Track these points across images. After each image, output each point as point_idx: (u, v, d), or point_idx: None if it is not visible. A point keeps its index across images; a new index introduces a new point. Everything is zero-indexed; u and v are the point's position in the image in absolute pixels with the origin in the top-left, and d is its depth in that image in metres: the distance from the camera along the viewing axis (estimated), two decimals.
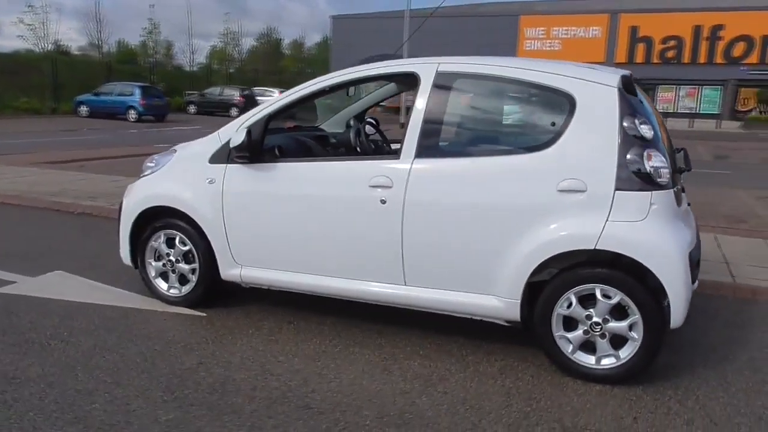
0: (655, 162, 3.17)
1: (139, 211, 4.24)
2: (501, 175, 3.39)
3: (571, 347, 3.36)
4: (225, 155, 3.97)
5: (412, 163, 3.53)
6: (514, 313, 3.43)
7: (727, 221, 7.73)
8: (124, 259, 4.44)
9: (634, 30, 36.95)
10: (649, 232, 3.15)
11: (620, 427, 2.93)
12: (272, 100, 3.99)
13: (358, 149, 4.73)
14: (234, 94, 32.32)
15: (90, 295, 4.46)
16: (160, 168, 4.25)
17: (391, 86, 5.00)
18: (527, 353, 3.69)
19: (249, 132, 3.78)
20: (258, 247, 3.96)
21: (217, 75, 45.72)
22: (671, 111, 36.00)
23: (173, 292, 4.31)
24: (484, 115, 3.83)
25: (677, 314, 3.17)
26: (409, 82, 3.81)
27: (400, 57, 28.94)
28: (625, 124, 3.20)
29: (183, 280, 4.29)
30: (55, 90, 29.48)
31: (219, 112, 31.71)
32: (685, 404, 3.18)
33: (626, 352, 3.28)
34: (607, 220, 3.17)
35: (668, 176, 3.21)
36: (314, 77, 3.99)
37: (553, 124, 3.38)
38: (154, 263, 4.33)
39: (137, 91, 25.71)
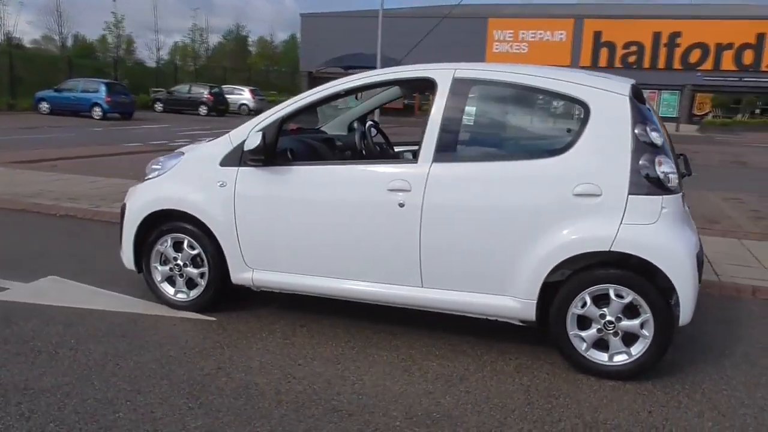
0: (665, 168, 3.31)
1: (146, 214, 4.20)
2: (518, 179, 3.48)
3: (584, 345, 3.48)
4: (237, 158, 3.97)
5: (430, 167, 3.59)
6: (530, 313, 3.53)
7: (701, 222, 8.02)
8: (127, 263, 4.39)
9: (597, 35, 37.93)
10: (660, 235, 3.28)
11: (637, 420, 3.05)
12: (285, 103, 4.00)
13: (363, 152, 4.78)
14: (203, 92, 31.77)
15: (91, 301, 4.39)
16: (167, 171, 4.22)
17: (394, 90, 5.06)
18: (539, 352, 3.80)
19: (264, 135, 3.79)
20: (272, 251, 3.97)
21: (182, 72, 44.88)
22: None
23: (180, 296, 4.28)
24: (500, 121, 3.93)
25: (686, 312, 3.31)
26: (424, 87, 3.88)
27: (373, 56, 29.10)
28: (636, 131, 3.33)
29: (191, 284, 4.26)
30: (12, 85, 28.53)
31: (187, 110, 31.19)
32: (693, 397, 3.33)
33: (637, 349, 3.41)
34: (621, 223, 3.30)
35: (677, 181, 3.36)
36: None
37: (569, 130, 3.49)
38: (160, 267, 4.29)
39: (102, 88, 24.94)
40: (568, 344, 3.50)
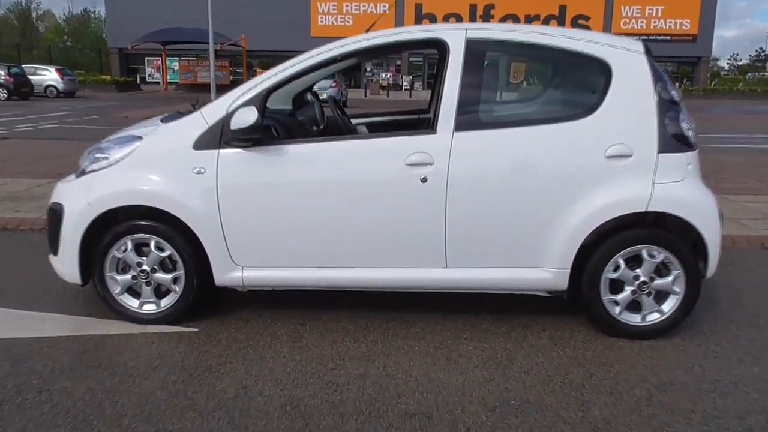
0: (687, 123, 3.35)
1: (97, 214, 3.42)
2: (547, 144, 3.32)
3: (618, 309, 3.44)
4: (215, 139, 3.35)
5: (452, 137, 3.30)
6: (562, 283, 3.41)
7: None
8: (68, 276, 3.57)
9: (419, 7, 39.57)
10: (689, 191, 3.32)
11: (696, 376, 3.08)
12: (271, 71, 3.44)
13: (321, 126, 4.36)
14: None
15: (31, 328, 3.51)
16: (119, 160, 3.45)
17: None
18: (559, 320, 3.70)
19: (258, 110, 3.23)
20: (268, 244, 3.43)
21: None
22: None
23: (148, 308, 3.57)
24: (520, 84, 3.71)
25: (713, 265, 3.40)
26: (433, 49, 3.54)
27: (193, 30, 27.30)
28: (658, 88, 3.32)
29: (161, 292, 3.57)
30: None
31: None
32: (725, 346, 3.41)
33: (669, 306, 3.44)
34: (653, 182, 3.28)
35: (695, 137, 3.41)
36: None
37: (594, 91, 3.38)
38: (118, 277, 3.54)
39: None
40: (602, 310, 3.44)
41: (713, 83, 47.83)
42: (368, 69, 42.49)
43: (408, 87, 38.97)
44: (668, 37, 39.53)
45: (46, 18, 70.41)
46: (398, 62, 42.76)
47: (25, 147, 11.53)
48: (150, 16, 37.21)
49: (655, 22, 39.95)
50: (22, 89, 28.50)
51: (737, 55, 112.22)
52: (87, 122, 18.09)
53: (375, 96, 35.55)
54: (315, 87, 5.06)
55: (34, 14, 67.22)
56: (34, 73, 31.28)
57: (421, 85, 40.90)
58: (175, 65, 39.42)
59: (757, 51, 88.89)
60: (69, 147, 10.77)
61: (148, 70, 43.86)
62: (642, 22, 39.97)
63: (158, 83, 40.57)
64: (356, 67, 42.81)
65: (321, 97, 5.12)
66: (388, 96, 35.51)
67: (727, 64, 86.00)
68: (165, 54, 38.76)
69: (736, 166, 9.83)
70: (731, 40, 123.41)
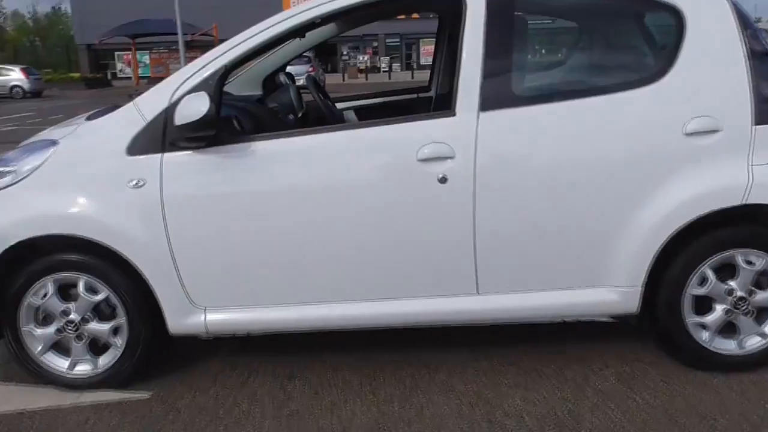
0: None
1: (1, 250, 2.51)
2: (606, 121, 2.47)
3: (706, 334, 2.60)
4: (157, 140, 2.46)
5: (478, 119, 2.43)
6: (632, 304, 2.57)
7: None
8: None
9: None
10: None
11: None
12: (228, 43, 2.54)
13: (299, 114, 3.48)
14: None
15: None
16: (30, 173, 2.54)
17: (316, 33, 3.72)
18: (626, 348, 2.86)
19: (210, 96, 2.33)
20: (239, 277, 2.55)
21: None
22: None
23: (82, 369, 2.68)
24: (563, 45, 2.84)
25: None
26: (445, 8, 2.66)
27: (162, 22, 26.26)
28: (747, 36, 2.46)
29: (97, 347, 2.68)
30: None
31: None
32: None
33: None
34: (750, 164, 2.44)
35: None
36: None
37: (662, 47, 2.53)
38: (39, 331, 2.63)
39: None
40: (686, 337, 2.59)
41: None
42: (345, 52, 41.43)
43: (386, 69, 37.97)
44: None
45: (15, 18, 68.92)
46: (375, 44, 41.71)
47: None
48: (117, 8, 35.96)
49: None
50: None
51: None
52: (50, 122, 16.73)
53: (353, 80, 34.51)
54: (290, 71, 4.16)
55: (0, 18, 65.90)
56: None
57: (400, 67, 39.92)
58: (146, 59, 38.07)
59: None
60: None
61: (119, 66, 42.61)
62: None
63: (130, 78, 39.16)
64: (332, 51, 41.79)
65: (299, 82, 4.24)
66: (366, 79, 34.49)
67: None
68: (135, 48, 37.43)
69: None
70: None
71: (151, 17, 32.94)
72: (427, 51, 41.75)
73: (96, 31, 34.88)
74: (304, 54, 5.95)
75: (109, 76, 40.33)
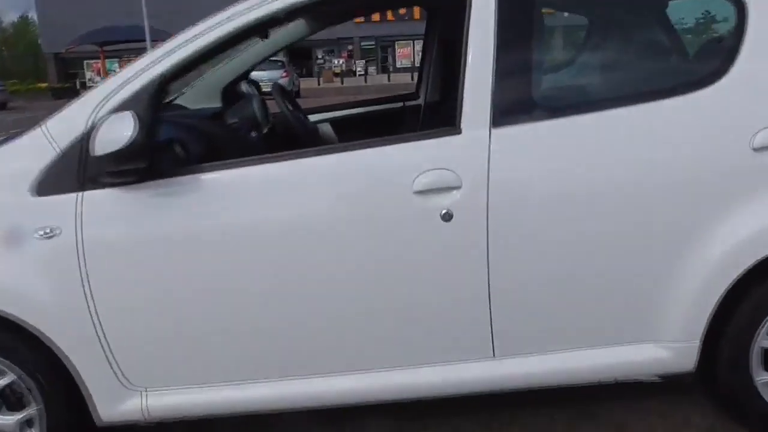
0: None
1: None
2: (650, 135, 1.95)
3: None
4: (74, 175, 1.88)
5: (490, 137, 1.89)
6: (688, 360, 2.05)
7: None
8: None
9: None
10: None
11: None
12: (168, 45, 1.97)
13: (264, 130, 2.92)
14: None
15: None
16: None
17: (284, 33, 3.17)
18: (676, 409, 2.34)
19: (137, 116, 1.75)
20: (186, 349, 1.98)
21: None
22: (409, 66, 37.47)
23: None
24: (595, 42, 2.31)
25: None
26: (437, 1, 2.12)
27: (131, 28, 25.56)
28: None
29: None
30: None
31: None
32: None
33: None
34: None
35: None
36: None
37: (719, 40, 2.01)
38: None
39: None
40: (756, 399, 2.08)
41: None
42: (319, 56, 40.88)
43: (362, 72, 37.49)
44: None
45: None
46: (350, 47, 41.20)
47: None
48: (86, 16, 35.11)
49: None
50: None
51: None
52: None
53: (329, 84, 33.93)
54: (263, 78, 3.57)
55: None
56: None
57: (376, 70, 39.48)
58: (116, 66, 37.16)
59: None
60: None
61: (89, 74, 41.62)
62: None
63: None
64: (307, 55, 41.14)
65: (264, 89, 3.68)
66: (342, 83, 33.95)
67: None
68: (104, 55, 36.43)
69: None
70: None
71: (117, 24, 32.18)
72: (403, 53, 41.47)
73: (64, 39, 33.94)
74: (277, 59, 5.38)
75: (78, 86, 39.29)
